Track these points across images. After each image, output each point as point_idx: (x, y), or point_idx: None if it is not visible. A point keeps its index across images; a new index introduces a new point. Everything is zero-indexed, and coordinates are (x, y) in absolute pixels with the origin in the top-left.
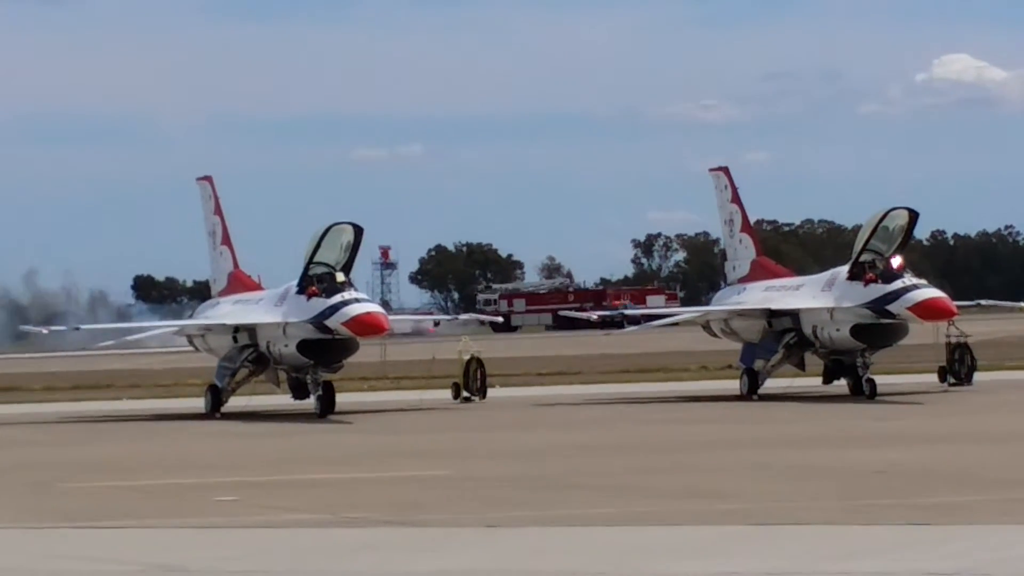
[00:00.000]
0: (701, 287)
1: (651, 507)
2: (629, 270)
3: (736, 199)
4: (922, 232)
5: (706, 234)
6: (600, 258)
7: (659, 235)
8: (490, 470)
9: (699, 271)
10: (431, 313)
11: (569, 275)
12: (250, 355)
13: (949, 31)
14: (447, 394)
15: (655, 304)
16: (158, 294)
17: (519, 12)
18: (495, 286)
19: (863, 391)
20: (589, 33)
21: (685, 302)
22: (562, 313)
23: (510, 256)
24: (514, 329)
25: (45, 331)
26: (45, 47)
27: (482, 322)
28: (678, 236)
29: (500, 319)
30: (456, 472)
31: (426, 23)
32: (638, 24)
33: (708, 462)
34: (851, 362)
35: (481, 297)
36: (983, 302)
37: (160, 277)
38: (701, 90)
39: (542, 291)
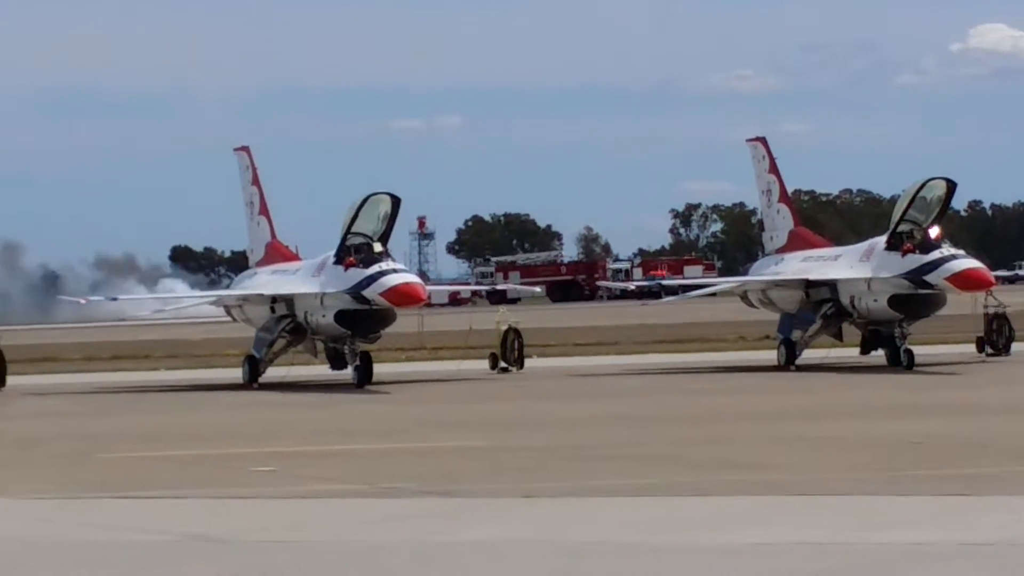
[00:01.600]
0: (739, 258)
1: (687, 478)
2: (667, 241)
3: (774, 169)
4: (960, 203)
5: (743, 204)
6: (638, 229)
7: (698, 205)
8: (527, 440)
9: (737, 241)
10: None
11: (607, 246)
12: (287, 325)
13: (985, 1)
14: (484, 364)
15: (693, 275)
16: (196, 264)
17: None
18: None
19: (901, 362)
20: (626, 4)
21: (722, 272)
22: (599, 283)
23: (548, 227)
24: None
25: (83, 301)
26: (84, 21)
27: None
28: (715, 207)
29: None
30: (493, 443)
31: None
32: None
33: (744, 433)
34: (889, 332)
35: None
36: (1021, 272)
37: (198, 248)
38: (737, 60)
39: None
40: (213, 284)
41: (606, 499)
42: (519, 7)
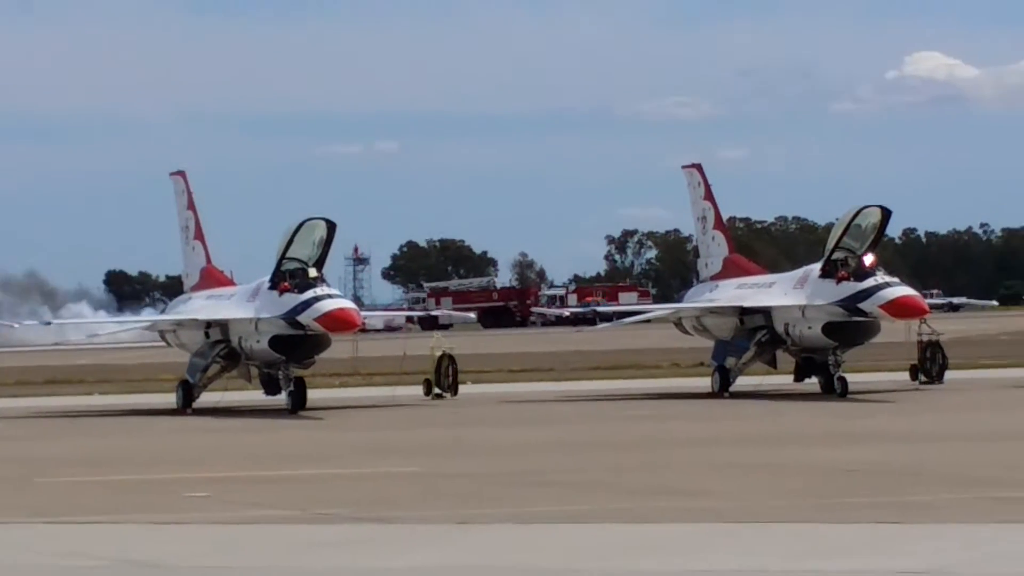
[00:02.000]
0: (673, 284)
1: (623, 504)
2: (602, 267)
3: (709, 196)
4: (894, 230)
5: (678, 231)
6: (573, 255)
7: (634, 232)
8: (462, 466)
9: (672, 268)
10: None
11: (542, 272)
12: (222, 350)
13: (920, 29)
14: (419, 390)
15: (627, 301)
16: (131, 289)
17: (494, 10)
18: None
19: (835, 389)
20: (562, 31)
21: (657, 299)
22: (534, 310)
23: (484, 253)
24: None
25: (16, 325)
26: (17, 43)
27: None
28: (651, 233)
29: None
30: (428, 468)
31: (401, 20)
32: (611, 22)
33: (680, 459)
34: (823, 360)
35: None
36: (955, 300)
37: (133, 272)
38: (673, 87)
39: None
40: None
41: (541, 526)
42: (455, 32)
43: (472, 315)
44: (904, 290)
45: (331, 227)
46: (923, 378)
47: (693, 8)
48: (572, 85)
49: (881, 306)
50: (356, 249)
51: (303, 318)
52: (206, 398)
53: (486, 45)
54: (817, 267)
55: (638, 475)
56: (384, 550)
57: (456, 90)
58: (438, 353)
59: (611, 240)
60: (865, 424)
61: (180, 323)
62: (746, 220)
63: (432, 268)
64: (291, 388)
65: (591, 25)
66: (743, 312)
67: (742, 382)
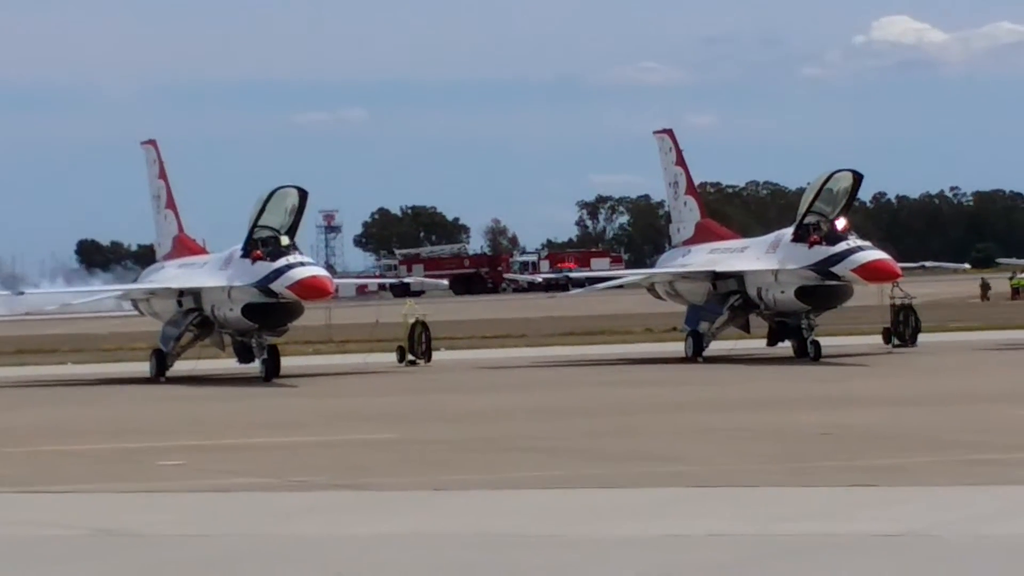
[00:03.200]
0: (646, 250)
1: (598, 470)
2: (574, 233)
3: (681, 161)
4: (865, 194)
5: (650, 197)
6: (545, 221)
7: (606, 198)
8: (437, 433)
9: (644, 234)
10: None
11: (514, 239)
12: (195, 319)
13: None
14: (392, 357)
15: (600, 267)
16: (103, 258)
17: None
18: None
19: (808, 353)
20: None
21: (630, 265)
22: (507, 276)
23: (456, 220)
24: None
25: None
26: None
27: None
28: (622, 199)
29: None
30: (402, 435)
31: None
32: None
33: (654, 425)
34: (796, 324)
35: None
36: (927, 264)
37: (105, 242)
38: (642, 53)
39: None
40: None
41: (516, 491)
42: (423, 2)
43: (444, 282)
44: (876, 254)
45: (303, 195)
46: (896, 341)
47: None
48: (541, 51)
49: (853, 270)
50: (328, 217)
51: (276, 286)
52: (179, 366)
53: (455, 12)
54: (789, 231)
55: (612, 440)
56: (360, 517)
57: (427, 57)
58: (411, 320)
59: (583, 206)
60: (838, 388)
61: (153, 292)
62: (717, 185)
63: (404, 235)
64: (265, 356)
65: None
66: (716, 277)
67: (715, 347)
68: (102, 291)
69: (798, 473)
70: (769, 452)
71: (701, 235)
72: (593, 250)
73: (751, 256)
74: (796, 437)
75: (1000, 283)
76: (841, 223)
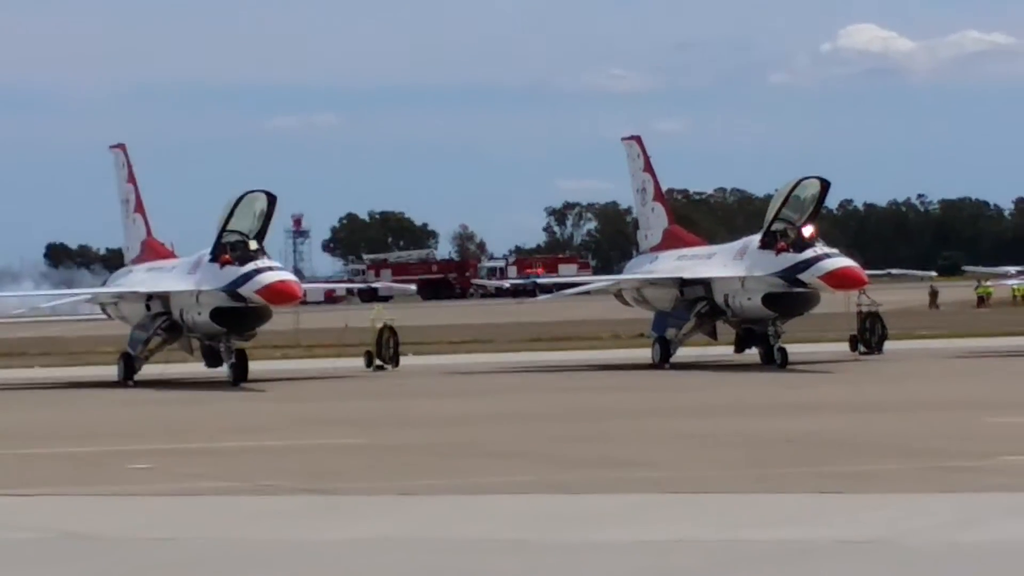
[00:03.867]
0: (613, 256)
1: (565, 475)
2: (542, 239)
3: (648, 168)
4: (832, 202)
5: (617, 203)
6: (513, 227)
7: (574, 204)
8: (404, 438)
9: (611, 240)
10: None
11: (482, 244)
12: (163, 323)
13: (854, 1)
14: (360, 362)
15: (567, 273)
16: (71, 262)
17: None
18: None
19: (774, 360)
20: (502, 3)
21: (597, 271)
22: (475, 282)
23: (425, 225)
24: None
25: None
26: None
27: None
28: (590, 205)
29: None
30: (370, 440)
31: None
32: None
33: (621, 431)
34: (762, 331)
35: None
36: (894, 271)
37: (73, 245)
38: (610, 59)
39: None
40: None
41: (482, 496)
42: (395, 4)
43: (412, 287)
44: (843, 261)
45: (271, 200)
46: (862, 348)
47: None
48: (509, 56)
49: (820, 277)
50: (296, 221)
51: (244, 290)
52: (147, 370)
53: (423, 17)
54: (756, 238)
55: (580, 446)
56: (328, 522)
57: (396, 63)
58: (379, 325)
59: (551, 212)
60: (805, 394)
61: (121, 296)
62: (684, 192)
63: (372, 240)
64: (233, 360)
65: None
66: (683, 283)
67: (682, 353)
68: (70, 294)
69: (765, 479)
70: (736, 458)
71: (668, 241)
72: (561, 256)
73: (718, 263)
74: (763, 443)
75: (961, 291)
76: (808, 230)
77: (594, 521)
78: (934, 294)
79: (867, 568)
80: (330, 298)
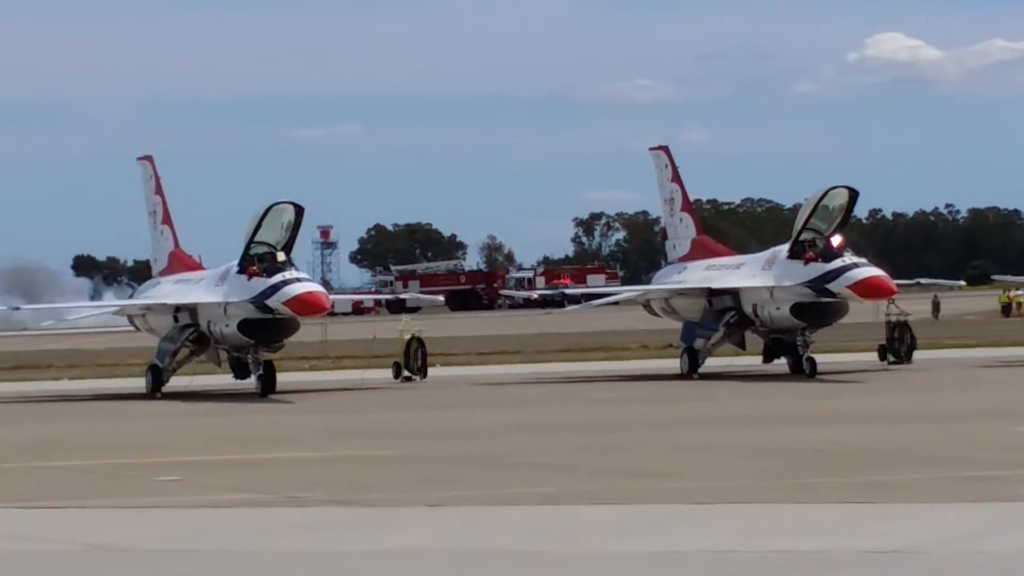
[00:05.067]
0: (641, 266)
1: (593, 486)
2: (570, 250)
3: (676, 178)
4: (860, 211)
5: (646, 213)
6: (541, 238)
7: (601, 215)
8: (432, 449)
9: (639, 250)
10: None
11: (510, 255)
12: (191, 335)
13: (881, 10)
14: (388, 374)
15: (595, 283)
16: (99, 274)
17: None
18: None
19: (803, 370)
20: (527, 14)
21: (625, 281)
22: (503, 292)
23: (453, 236)
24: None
25: None
26: None
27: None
28: (618, 215)
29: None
30: (398, 451)
31: (365, 4)
32: (572, 5)
33: (649, 441)
34: (791, 341)
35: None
36: (923, 280)
37: (101, 257)
38: (636, 70)
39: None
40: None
41: (510, 507)
42: (421, 15)
43: (440, 298)
44: (872, 271)
45: (299, 211)
46: (891, 358)
47: None
48: (536, 68)
49: (849, 286)
50: (324, 233)
51: (272, 302)
52: (175, 382)
53: (450, 28)
54: (785, 248)
55: (607, 457)
56: (356, 533)
57: (422, 74)
58: (407, 336)
59: (579, 223)
60: (834, 404)
61: (149, 308)
62: (713, 202)
63: (400, 251)
64: (260, 372)
65: (554, 9)
66: (712, 293)
67: (711, 363)
68: (98, 307)
69: (793, 490)
70: (764, 468)
71: (697, 252)
72: (589, 267)
73: (747, 273)
74: (791, 454)
75: (990, 301)
76: (837, 240)
77: (622, 531)
78: (936, 305)
79: None
80: (358, 309)
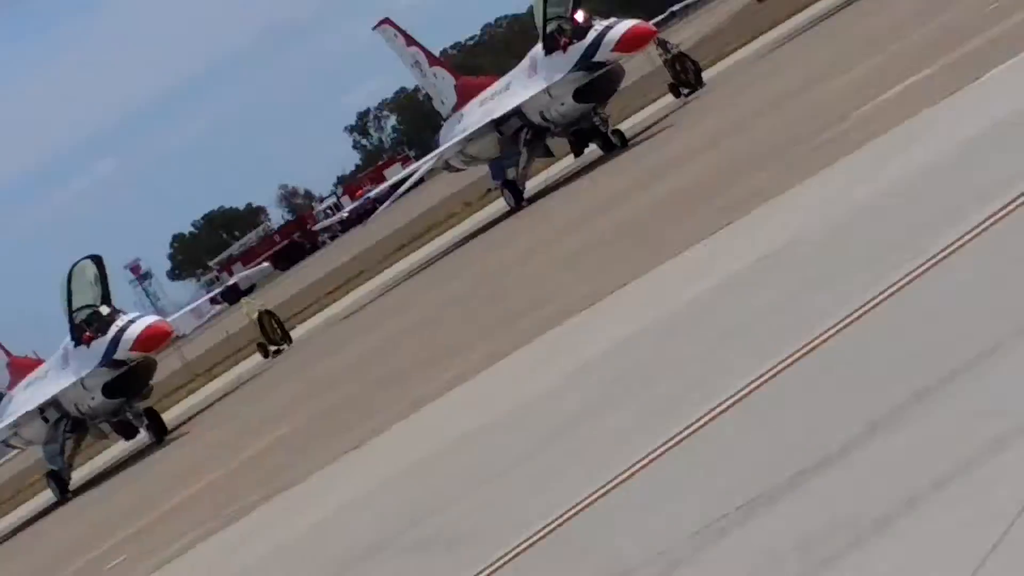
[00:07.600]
0: (427, 137)
1: (524, 325)
2: (357, 158)
3: (411, 42)
4: None
5: (404, 88)
6: (328, 161)
7: (367, 111)
8: (338, 396)
9: (418, 124)
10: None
11: (308, 193)
12: (67, 426)
13: None
14: (259, 357)
15: (395, 175)
16: None
17: None
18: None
19: (615, 144)
20: None
21: (419, 158)
22: (317, 228)
23: (249, 205)
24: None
25: None
26: None
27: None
28: (382, 103)
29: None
30: (299, 424)
31: None
32: None
33: (527, 274)
34: (590, 126)
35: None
36: (675, 8)
37: None
38: None
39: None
40: None
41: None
42: None
43: (266, 265)
44: (625, 24)
45: (98, 261)
46: (685, 91)
47: None
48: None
49: (613, 49)
50: (134, 268)
51: (120, 354)
52: (77, 475)
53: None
54: (539, 48)
55: (517, 295)
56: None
57: None
58: (254, 315)
59: (351, 129)
60: (663, 154)
61: (16, 423)
62: (456, 44)
63: (211, 246)
64: (146, 422)
65: None
66: (498, 123)
67: (531, 185)
68: None
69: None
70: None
71: (464, 95)
72: (380, 163)
73: (518, 88)
74: (654, 204)
75: None
76: (580, 16)
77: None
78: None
79: None
80: (199, 319)
